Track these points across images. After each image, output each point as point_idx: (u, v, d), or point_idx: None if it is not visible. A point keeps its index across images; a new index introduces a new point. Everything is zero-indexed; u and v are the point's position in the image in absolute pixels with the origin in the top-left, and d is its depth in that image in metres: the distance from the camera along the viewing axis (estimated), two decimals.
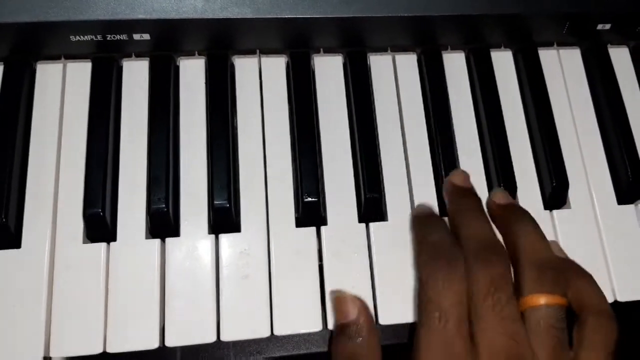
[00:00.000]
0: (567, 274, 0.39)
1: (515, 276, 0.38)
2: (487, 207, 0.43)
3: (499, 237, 0.41)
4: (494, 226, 0.41)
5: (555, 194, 0.45)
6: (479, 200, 0.42)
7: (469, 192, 0.42)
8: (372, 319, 0.39)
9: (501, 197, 0.43)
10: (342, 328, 0.38)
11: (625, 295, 0.43)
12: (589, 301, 0.38)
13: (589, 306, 0.37)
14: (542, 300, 0.36)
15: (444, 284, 0.36)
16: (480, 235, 0.39)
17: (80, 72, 0.45)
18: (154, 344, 0.39)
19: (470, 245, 0.38)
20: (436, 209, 0.44)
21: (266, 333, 0.40)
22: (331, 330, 0.41)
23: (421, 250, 0.39)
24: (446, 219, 0.42)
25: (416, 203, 0.44)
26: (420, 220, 0.42)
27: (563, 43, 0.50)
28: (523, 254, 0.38)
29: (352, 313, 0.38)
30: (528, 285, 0.37)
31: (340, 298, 0.39)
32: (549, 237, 0.43)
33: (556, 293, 0.37)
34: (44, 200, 0.42)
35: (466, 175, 0.43)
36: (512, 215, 0.41)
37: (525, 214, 0.41)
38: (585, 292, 0.38)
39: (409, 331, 0.41)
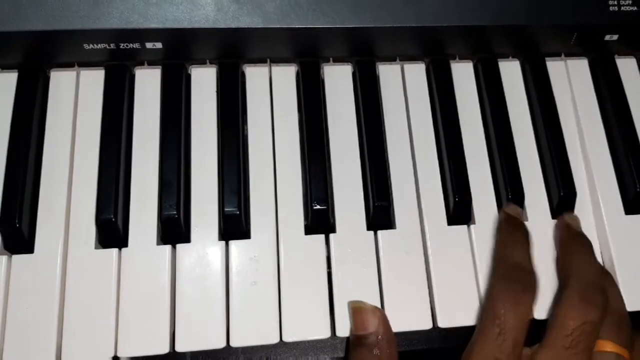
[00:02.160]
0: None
1: None
2: (558, 233, 0.44)
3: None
4: None
5: (563, 203, 0.45)
6: (590, 242, 0.43)
7: (581, 235, 0.43)
8: (391, 330, 0.39)
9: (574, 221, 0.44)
10: (360, 339, 0.38)
11: (633, 305, 0.43)
12: None
13: None
14: (609, 347, 0.38)
15: (513, 305, 0.37)
16: (589, 276, 0.39)
17: (93, 80, 0.46)
18: (165, 349, 0.39)
19: (579, 282, 0.39)
20: (444, 217, 0.44)
21: (275, 339, 0.40)
22: (347, 338, 0.41)
23: (500, 265, 0.40)
24: None
25: (424, 212, 0.44)
26: (508, 229, 0.42)
27: (571, 53, 0.50)
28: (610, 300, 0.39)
29: (372, 324, 0.38)
30: (606, 331, 0.38)
31: (359, 308, 0.40)
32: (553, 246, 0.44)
33: (627, 347, 0.38)
34: (56, 206, 0.42)
35: (579, 220, 0.44)
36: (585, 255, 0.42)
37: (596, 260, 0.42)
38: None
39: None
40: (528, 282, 0.39)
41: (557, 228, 0.44)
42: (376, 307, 0.40)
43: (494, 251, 0.43)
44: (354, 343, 0.39)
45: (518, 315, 0.37)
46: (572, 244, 0.42)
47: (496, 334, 0.36)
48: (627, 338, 0.39)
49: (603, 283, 0.40)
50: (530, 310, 0.38)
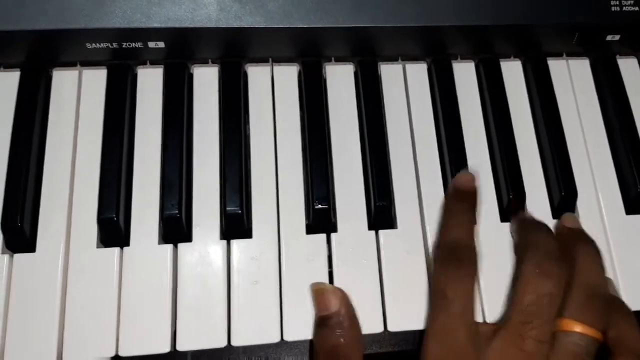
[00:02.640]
0: (613, 311, 0.39)
1: (564, 299, 0.38)
2: (556, 229, 0.43)
3: None
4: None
5: (564, 203, 0.45)
6: (549, 228, 0.42)
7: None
8: (353, 310, 0.39)
9: (571, 221, 0.44)
10: (323, 320, 0.39)
11: (633, 305, 0.43)
12: (626, 342, 0.38)
13: (625, 347, 0.37)
14: (578, 328, 0.36)
15: (454, 279, 0.37)
16: (545, 249, 0.39)
17: (96, 79, 0.46)
18: (166, 348, 0.40)
19: (534, 254, 0.38)
20: None
21: (276, 338, 0.40)
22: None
23: (439, 248, 0.41)
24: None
25: (425, 211, 0.44)
26: (446, 210, 0.43)
27: (572, 53, 0.51)
28: (577, 276, 0.38)
29: (334, 305, 0.39)
30: (571, 309, 0.37)
31: (320, 290, 0.40)
32: None
33: (595, 326, 0.37)
34: (58, 205, 0.42)
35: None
36: (577, 239, 0.42)
37: (590, 241, 0.41)
38: (625, 333, 0.38)
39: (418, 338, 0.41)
40: (465, 255, 0.39)
41: (512, 219, 0.44)
42: (337, 288, 0.40)
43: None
44: (318, 324, 0.39)
45: (459, 286, 0.37)
46: (525, 229, 0.42)
47: (443, 307, 0.37)
48: (598, 317, 0.37)
49: (560, 255, 0.38)
50: (472, 281, 0.38)
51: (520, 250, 0.41)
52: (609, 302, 0.39)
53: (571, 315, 0.37)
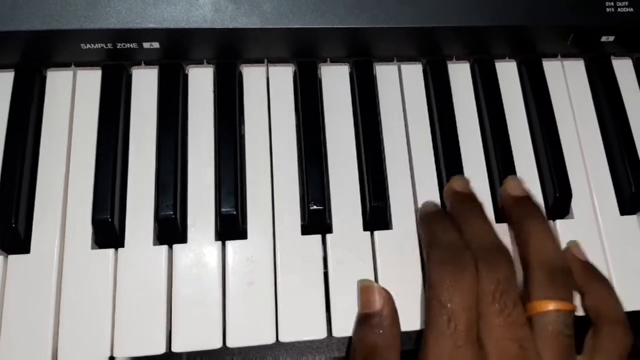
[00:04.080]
0: (587, 278, 0.39)
1: (525, 278, 0.38)
2: (501, 199, 0.43)
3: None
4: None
5: (558, 204, 0.45)
6: (480, 204, 0.42)
7: (470, 197, 0.42)
8: (396, 311, 0.39)
9: (514, 186, 0.42)
10: (365, 317, 0.38)
11: (628, 305, 0.43)
12: (606, 310, 0.38)
13: (606, 315, 0.37)
14: (550, 306, 0.36)
15: (454, 287, 0.35)
16: (483, 238, 0.39)
17: (90, 80, 0.46)
18: (161, 349, 0.39)
19: (473, 249, 0.38)
20: None
21: (271, 340, 0.40)
22: (345, 338, 0.41)
23: (431, 251, 0.39)
24: None
25: None
26: (429, 218, 0.42)
27: (567, 54, 0.51)
28: (533, 256, 0.38)
29: (378, 303, 0.38)
30: (537, 290, 0.37)
31: (367, 287, 0.40)
32: None
33: (565, 299, 0.36)
34: (53, 206, 0.42)
35: (466, 181, 0.43)
36: (523, 212, 0.41)
37: (536, 211, 0.41)
38: (603, 299, 0.38)
39: (415, 338, 0.41)
40: (464, 259, 0.37)
41: (445, 196, 0.43)
42: (383, 288, 0.40)
43: (423, 241, 0.42)
44: (360, 321, 0.39)
45: (463, 296, 0.35)
46: (457, 211, 0.41)
47: (446, 322, 0.35)
48: (565, 288, 0.37)
49: (498, 241, 0.38)
50: (474, 287, 0.36)
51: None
52: (570, 269, 0.39)
53: (539, 296, 0.36)
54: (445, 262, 0.37)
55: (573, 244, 0.43)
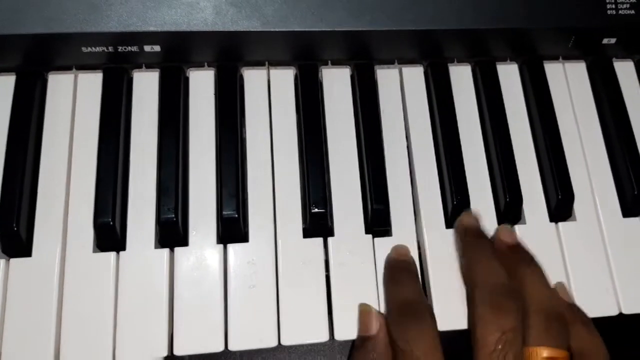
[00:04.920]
0: (571, 320, 0.39)
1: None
2: (495, 242, 0.43)
3: None
4: None
5: (561, 206, 0.45)
6: (490, 243, 0.42)
7: (480, 235, 0.42)
8: (388, 337, 0.39)
9: (507, 235, 0.43)
10: (361, 340, 0.39)
11: (630, 307, 0.43)
12: (589, 352, 0.38)
13: (588, 356, 0.38)
14: (545, 353, 0.37)
15: (418, 338, 0.37)
16: (494, 283, 0.39)
17: (92, 83, 0.46)
18: (162, 352, 0.39)
19: (485, 292, 0.38)
20: (442, 220, 0.44)
21: (273, 343, 0.40)
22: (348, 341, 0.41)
23: (391, 307, 0.40)
24: None
25: (422, 214, 0.44)
26: (389, 273, 0.42)
27: (568, 57, 0.51)
28: (530, 302, 0.38)
29: (374, 328, 0.39)
30: (533, 336, 0.37)
31: (365, 312, 0.40)
32: (555, 250, 0.44)
33: (560, 347, 0.37)
34: (54, 210, 0.42)
35: (476, 217, 0.43)
36: (518, 259, 0.41)
37: (531, 260, 0.41)
38: (587, 342, 0.39)
39: None
40: (421, 311, 0.38)
41: (455, 232, 0.43)
42: (379, 313, 0.40)
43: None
44: (357, 343, 0.40)
45: (425, 345, 0.36)
46: (468, 248, 0.42)
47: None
48: (560, 335, 0.38)
49: (509, 284, 0.39)
50: (435, 335, 0.37)
51: (466, 277, 0.41)
52: (565, 315, 0.39)
53: (536, 343, 0.37)
54: (403, 316, 0.38)
55: (559, 285, 0.43)
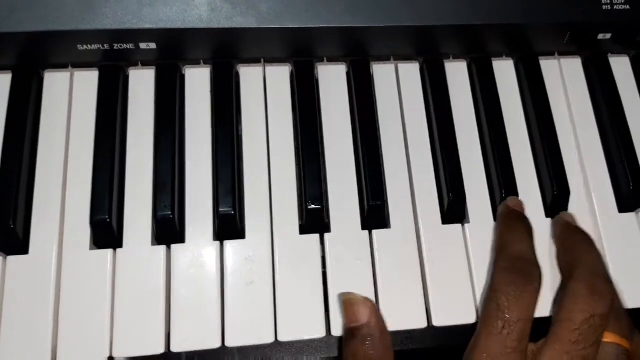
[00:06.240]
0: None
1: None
2: (553, 230, 0.44)
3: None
4: None
5: (557, 201, 0.45)
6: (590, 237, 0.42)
7: (581, 229, 0.43)
8: (383, 320, 0.39)
9: (568, 216, 0.44)
10: (352, 331, 0.38)
11: (627, 302, 0.43)
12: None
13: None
14: (611, 338, 0.37)
15: (516, 296, 0.36)
16: (596, 267, 0.39)
17: (87, 81, 0.46)
18: (159, 349, 0.39)
19: (586, 272, 0.38)
20: (438, 216, 0.44)
21: (270, 339, 0.40)
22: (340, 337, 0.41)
23: (501, 257, 0.40)
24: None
25: (419, 210, 0.44)
26: (509, 221, 0.42)
27: (564, 52, 0.51)
28: None
29: (364, 315, 0.38)
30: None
31: (350, 300, 0.39)
32: (551, 245, 0.44)
33: (626, 337, 0.38)
34: (51, 207, 0.42)
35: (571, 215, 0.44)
36: (578, 243, 0.41)
37: (593, 246, 0.41)
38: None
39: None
40: (531, 272, 0.38)
41: (555, 225, 0.44)
42: (366, 298, 0.39)
43: (495, 243, 0.42)
44: (347, 335, 0.38)
45: (522, 307, 0.36)
46: (574, 237, 0.42)
47: (500, 327, 0.35)
48: (627, 327, 0.38)
49: (608, 274, 0.39)
50: (535, 301, 0.37)
51: (567, 262, 0.41)
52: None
53: (608, 328, 0.37)
54: (513, 272, 0.38)
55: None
